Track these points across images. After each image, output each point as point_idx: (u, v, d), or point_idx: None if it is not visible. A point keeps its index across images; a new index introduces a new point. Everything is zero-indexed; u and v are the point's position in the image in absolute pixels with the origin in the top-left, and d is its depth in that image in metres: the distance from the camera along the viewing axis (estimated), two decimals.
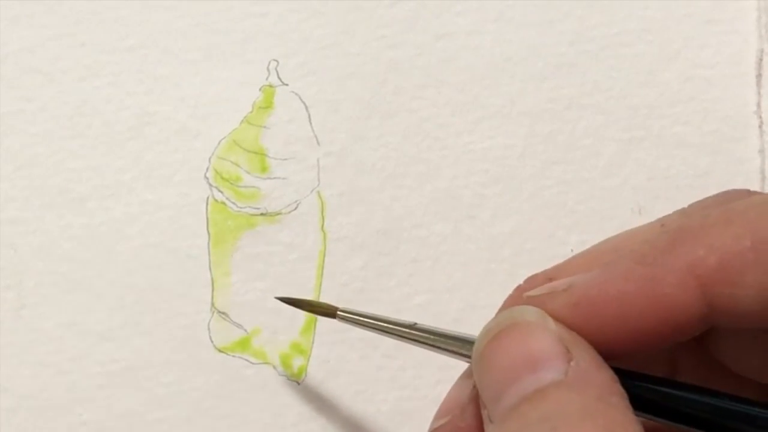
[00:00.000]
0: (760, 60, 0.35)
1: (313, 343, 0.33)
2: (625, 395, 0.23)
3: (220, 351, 0.33)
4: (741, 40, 0.35)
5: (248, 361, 0.33)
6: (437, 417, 0.28)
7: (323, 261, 0.34)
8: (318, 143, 0.34)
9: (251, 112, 0.34)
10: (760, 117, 0.35)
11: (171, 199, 0.33)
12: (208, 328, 0.33)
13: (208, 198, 0.33)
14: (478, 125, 0.34)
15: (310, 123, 0.34)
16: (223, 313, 0.33)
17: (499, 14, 0.35)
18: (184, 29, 0.34)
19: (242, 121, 0.34)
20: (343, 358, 0.34)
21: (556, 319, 0.24)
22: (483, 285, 0.34)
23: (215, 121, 0.34)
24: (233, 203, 0.33)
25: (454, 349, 0.27)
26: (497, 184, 0.34)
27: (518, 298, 0.26)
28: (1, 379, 0.32)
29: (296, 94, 0.34)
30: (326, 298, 0.34)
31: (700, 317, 0.24)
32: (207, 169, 0.33)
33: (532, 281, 0.26)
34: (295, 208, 0.34)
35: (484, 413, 0.24)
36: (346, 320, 0.29)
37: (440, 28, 0.35)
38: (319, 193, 0.34)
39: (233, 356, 0.33)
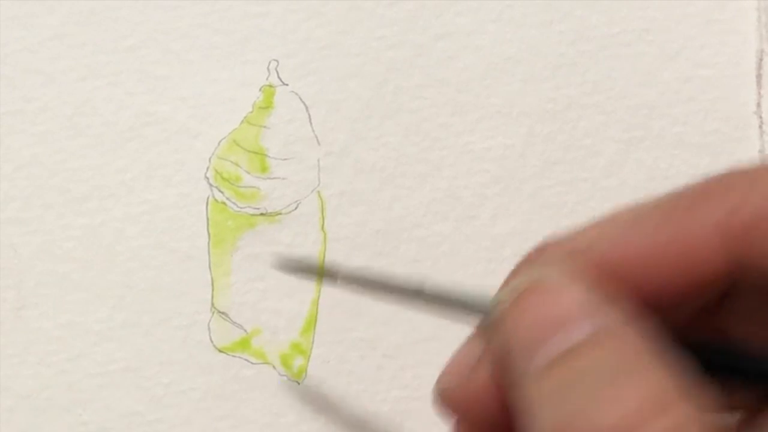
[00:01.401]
0: (760, 60, 0.35)
1: (313, 343, 0.33)
2: (660, 351, 0.22)
3: (220, 351, 0.33)
4: (741, 40, 0.35)
5: (248, 361, 0.33)
6: (443, 377, 0.27)
7: (323, 261, 0.34)
8: (318, 143, 0.34)
9: (251, 112, 0.34)
10: (760, 117, 0.35)
11: (171, 199, 0.33)
12: (208, 328, 0.33)
13: (208, 198, 0.33)
14: (478, 125, 0.34)
15: (310, 123, 0.34)
16: (223, 313, 0.33)
17: (499, 14, 0.35)
18: (184, 29, 0.34)
19: (242, 121, 0.34)
20: (343, 358, 0.34)
21: (586, 278, 0.24)
22: (483, 285, 0.34)
23: (215, 121, 0.34)
24: (233, 203, 0.33)
25: (466, 309, 0.26)
26: (497, 184, 0.34)
27: (536, 259, 0.25)
28: (1, 379, 0.32)
29: (296, 94, 0.34)
30: (326, 298, 0.34)
31: (726, 276, 0.24)
32: (207, 169, 0.33)
33: (552, 241, 0.26)
34: (295, 208, 0.34)
35: (509, 375, 0.24)
36: (348, 283, 0.27)
37: (440, 28, 0.35)
38: (319, 193, 0.34)
39: (233, 356, 0.33)
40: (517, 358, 0.23)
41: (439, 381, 0.27)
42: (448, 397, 0.27)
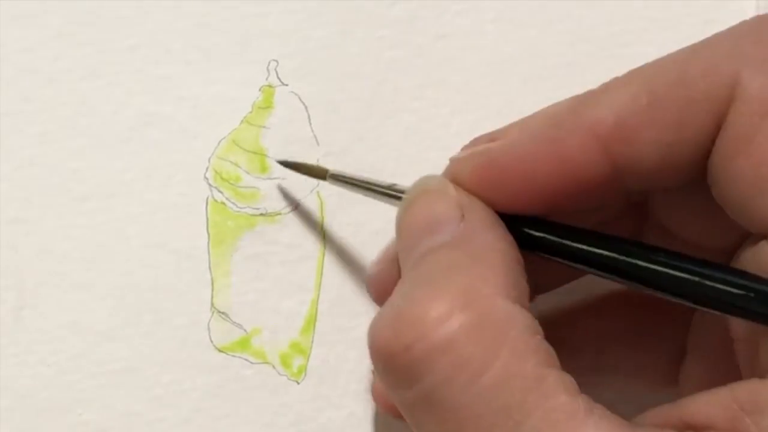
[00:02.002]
0: None
1: (312, 342, 0.34)
2: (508, 251, 0.25)
3: (220, 351, 0.33)
4: None
5: (248, 361, 0.33)
6: (371, 266, 0.31)
7: (323, 261, 0.34)
8: (318, 143, 0.34)
9: (251, 112, 0.34)
10: None
11: (171, 199, 0.33)
12: (208, 328, 0.33)
13: (207, 198, 0.33)
14: (478, 125, 0.34)
15: (310, 123, 0.34)
16: (223, 313, 0.33)
17: (499, 14, 0.35)
18: (184, 29, 0.34)
19: (242, 121, 0.34)
20: (343, 358, 0.34)
21: (470, 181, 0.26)
22: None
23: (215, 121, 0.34)
24: (233, 203, 0.33)
25: None
26: None
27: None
28: (1, 379, 0.32)
29: (296, 94, 0.34)
30: (326, 298, 0.34)
31: (606, 176, 0.25)
32: (207, 169, 0.33)
33: (474, 141, 0.28)
34: (295, 208, 0.34)
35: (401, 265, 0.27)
36: (336, 181, 0.32)
37: (440, 28, 0.35)
38: (318, 193, 0.34)
39: (233, 356, 0.33)
40: (400, 253, 0.27)
41: (368, 270, 0.31)
42: (371, 283, 0.30)
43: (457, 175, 0.27)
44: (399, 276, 0.27)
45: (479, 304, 0.23)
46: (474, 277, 0.24)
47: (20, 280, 0.33)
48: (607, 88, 0.25)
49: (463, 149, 0.28)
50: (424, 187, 0.27)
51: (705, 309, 0.24)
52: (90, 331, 0.33)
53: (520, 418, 0.22)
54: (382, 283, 0.30)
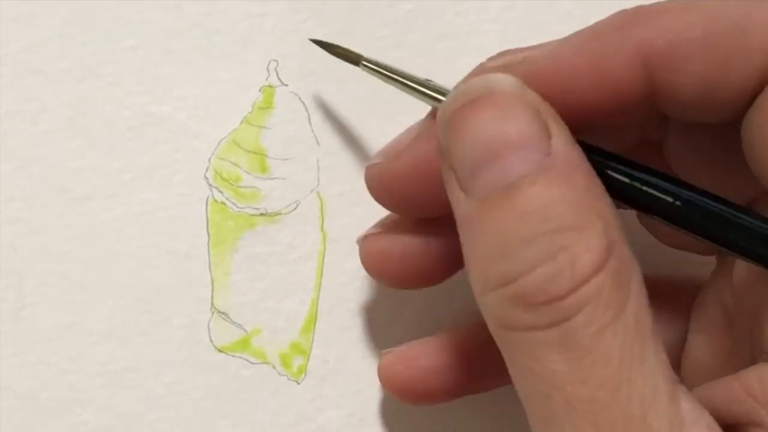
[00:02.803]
0: None
1: (312, 342, 0.34)
2: (599, 194, 0.23)
3: (220, 351, 0.33)
4: None
5: (248, 361, 0.33)
6: (375, 156, 0.28)
7: (323, 261, 0.34)
8: (318, 143, 0.34)
9: (251, 112, 0.34)
10: None
11: (171, 199, 0.33)
12: (208, 328, 0.33)
13: (208, 198, 0.33)
14: None
15: (310, 123, 0.34)
16: (223, 313, 0.33)
17: (499, 14, 0.35)
18: (184, 29, 0.34)
19: (242, 121, 0.34)
20: (343, 358, 0.34)
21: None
22: None
23: (215, 121, 0.34)
24: (233, 203, 0.33)
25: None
26: None
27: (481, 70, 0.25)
28: (1, 379, 0.32)
29: (296, 94, 0.34)
30: (326, 298, 0.34)
31: (643, 99, 0.24)
32: (207, 169, 0.33)
33: (503, 54, 0.26)
34: (295, 208, 0.34)
35: (451, 176, 0.23)
36: (369, 69, 0.30)
37: (440, 28, 0.35)
38: (318, 193, 0.34)
39: (233, 356, 0.33)
40: (460, 168, 0.23)
41: (371, 160, 0.28)
42: (372, 175, 0.28)
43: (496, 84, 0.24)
44: (414, 166, 0.25)
45: (618, 254, 0.22)
46: (606, 217, 0.22)
47: (20, 280, 0.33)
48: (661, 9, 0.24)
49: (489, 59, 0.26)
50: (492, 86, 0.23)
51: (731, 252, 0.24)
52: (90, 331, 0.33)
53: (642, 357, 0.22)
54: (388, 173, 0.27)
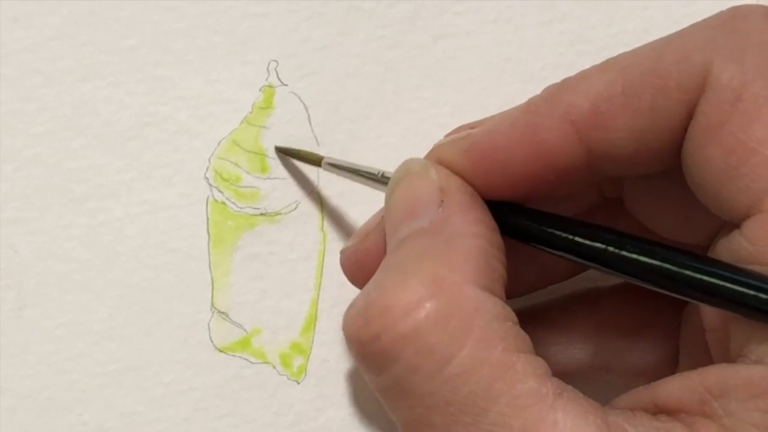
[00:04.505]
0: None
1: (313, 342, 0.34)
2: (485, 235, 0.25)
3: (220, 351, 0.33)
4: None
5: (248, 361, 0.33)
6: (349, 240, 0.31)
7: (323, 261, 0.34)
8: (318, 143, 0.34)
9: (251, 112, 0.34)
10: None
11: (171, 199, 0.33)
12: (208, 328, 0.33)
13: (208, 198, 0.33)
14: None
15: (310, 123, 0.34)
16: (223, 313, 0.33)
17: (499, 14, 0.35)
18: (184, 29, 0.34)
19: (242, 121, 0.34)
20: (343, 358, 0.34)
21: (451, 166, 0.27)
22: None
23: (215, 121, 0.34)
24: (233, 203, 0.33)
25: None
26: None
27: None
28: (1, 379, 0.32)
29: (296, 94, 0.34)
30: (326, 298, 0.34)
31: (581, 163, 0.25)
32: (207, 169, 0.33)
33: (457, 129, 0.28)
34: (295, 208, 0.34)
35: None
36: (330, 168, 0.32)
37: (440, 28, 0.35)
38: (319, 193, 0.34)
39: (233, 356, 0.33)
40: (387, 234, 0.27)
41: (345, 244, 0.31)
42: (346, 257, 0.30)
43: (439, 159, 0.27)
44: (375, 249, 0.28)
45: (447, 293, 0.24)
46: (444, 265, 0.24)
47: (20, 280, 0.33)
48: (583, 76, 0.26)
49: (445, 136, 0.28)
50: (407, 170, 0.28)
51: (677, 296, 0.24)
52: (90, 331, 0.33)
53: (486, 405, 0.22)
54: (357, 254, 0.30)
